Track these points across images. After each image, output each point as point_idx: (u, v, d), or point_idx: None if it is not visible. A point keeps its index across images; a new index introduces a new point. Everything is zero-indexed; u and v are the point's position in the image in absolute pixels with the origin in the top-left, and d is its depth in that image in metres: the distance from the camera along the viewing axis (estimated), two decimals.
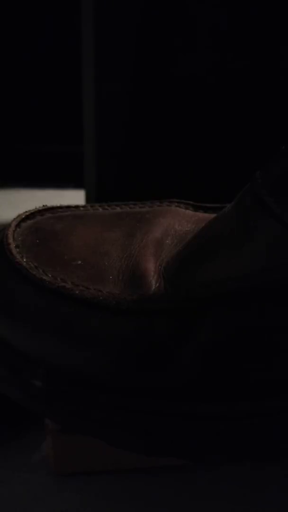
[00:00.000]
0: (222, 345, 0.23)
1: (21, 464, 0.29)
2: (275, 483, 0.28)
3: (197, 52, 0.48)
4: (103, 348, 0.24)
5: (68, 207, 0.29)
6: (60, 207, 0.29)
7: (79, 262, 0.26)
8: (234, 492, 0.27)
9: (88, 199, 0.50)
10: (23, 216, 0.28)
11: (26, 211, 0.28)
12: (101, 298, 0.24)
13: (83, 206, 0.30)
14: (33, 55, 0.77)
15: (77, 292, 0.24)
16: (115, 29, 0.47)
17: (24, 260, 0.25)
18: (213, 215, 0.29)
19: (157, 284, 0.25)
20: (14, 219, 0.28)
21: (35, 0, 0.76)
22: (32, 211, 0.28)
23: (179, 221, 0.28)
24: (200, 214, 0.29)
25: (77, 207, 0.30)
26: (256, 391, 0.24)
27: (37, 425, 0.31)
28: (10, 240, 0.26)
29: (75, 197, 0.72)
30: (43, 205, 0.29)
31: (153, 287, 0.24)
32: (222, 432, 0.24)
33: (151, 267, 0.25)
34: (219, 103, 0.49)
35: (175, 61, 0.48)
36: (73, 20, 0.74)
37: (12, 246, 0.26)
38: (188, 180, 0.50)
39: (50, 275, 0.25)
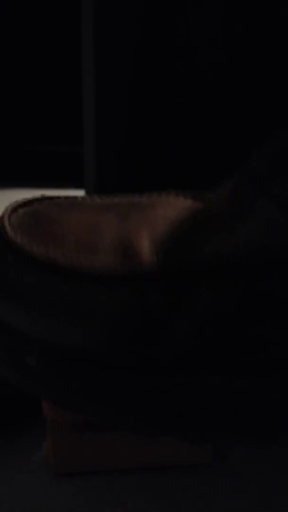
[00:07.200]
0: (218, 316, 0.23)
1: (21, 464, 0.29)
2: (275, 483, 0.28)
3: (197, 52, 0.48)
4: (96, 321, 0.24)
5: (67, 197, 0.30)
6: (59, 197, 0.29)
7: (72, 237, 0.26)
8: (235, 492, 0.27)
9: None
10: (20, 203, 0.28)
11: (23, 198, 0.29)
12: (93, 270, 0.24)
13: (81, 197, 0.30)
14: (33, 55, 0.77)
15: (69, 265, 0.24)
16: (115, 29, 0.47)
17: (19, 238, 0.26)
18: None
19: (151, 257, 0.25)
20: (11, 203, 0.28)
21: (35, 0, 0.76)
22: (30, 199, 0.29)
23: (176, 210, 0.28)
24: (199, 204, 0.29)
25: (75, 197, 0.30)
26: (258, 365, 0.24)
27: (37, 425, 0.31)
28: (6, 223, 0.26)
29: None
30: (41, 195, 0.29)
31: (146, 258, 0.24)
32: (224, 407, 0.24)
33: (144, 244, 0.25)
34: (219, 103, 0.49)
35: (175, 61, 0.48)
36: (73, 20, 0.74)
37: (8, 227, 0.26)
38: (188, 181, 0.50)
39: (43, 250, 0.25)
